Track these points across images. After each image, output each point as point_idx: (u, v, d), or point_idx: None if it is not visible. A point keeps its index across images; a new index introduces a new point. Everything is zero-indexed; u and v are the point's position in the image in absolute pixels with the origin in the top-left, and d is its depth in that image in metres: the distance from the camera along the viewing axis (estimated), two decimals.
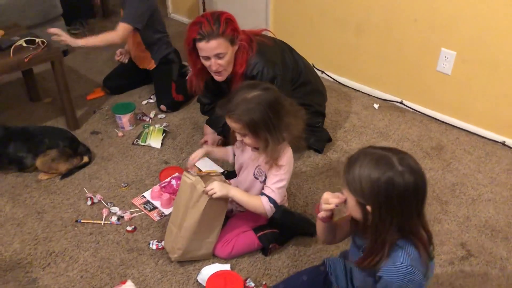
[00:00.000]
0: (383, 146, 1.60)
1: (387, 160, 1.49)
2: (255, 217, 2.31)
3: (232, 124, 2.08)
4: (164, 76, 3.53)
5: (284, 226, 2.37)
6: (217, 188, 2.10)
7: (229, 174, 2.72)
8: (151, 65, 3.58)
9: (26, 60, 2.89)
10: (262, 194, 2.20)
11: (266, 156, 2.15)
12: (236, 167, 2.44)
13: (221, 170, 2.90)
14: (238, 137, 2.15)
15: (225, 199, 2.20)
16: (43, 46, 2.98)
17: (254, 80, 2.51)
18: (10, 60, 2.88)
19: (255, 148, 2.23)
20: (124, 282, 2.09)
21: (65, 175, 2.87)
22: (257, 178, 2.28)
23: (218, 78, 2.63)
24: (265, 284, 2.19)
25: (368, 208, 1.50)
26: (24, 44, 2.99)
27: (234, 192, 2.17)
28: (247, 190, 2.34)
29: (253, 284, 2.19)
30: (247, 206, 2.19)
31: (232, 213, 2.48)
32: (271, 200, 2.18)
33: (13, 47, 2.94)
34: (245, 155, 2.33)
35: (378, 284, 1.57)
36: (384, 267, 1.53)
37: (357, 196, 1.54)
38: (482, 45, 2.94)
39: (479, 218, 2.56)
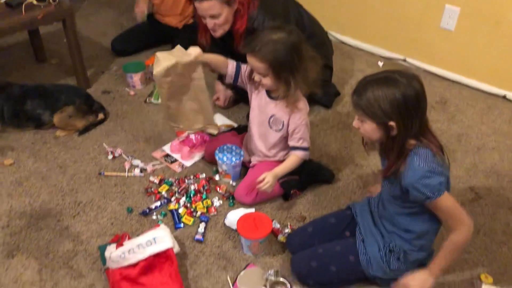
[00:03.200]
0: (377, 72, 1.78)
1: (392, 78, 1.68)
2: (275, 165, 2.40)
3: (255, 63, 2.13)
4: (189, 37, 3.53)
5: (304, 173, 2.47)
6: (270, 178, 2.24)
7: (241, 129, 2.80)
8: (179, 23, 3.58)
9: (39, 17, 2.89)
10: (294, 148, 2.31)
11: (285, 101, 2.23)
12: (251, 110, 2.48)
13: (235, 124, 2.98)
14: (257, 78, 2.21)
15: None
16: (54, 3, 2.98)
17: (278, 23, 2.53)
18: (22, 17, 2.88)
19: (270, 98, 2.30)
20: (157, 226, 2.17)
21: (82, 131, 2.92)
22: (271, 127, 2.37)
23: (214, 34, 2.67)
24: (291, 225, 2.30)
25: (391, 123, 1.66)
26: (35, 2, 2.98)
27: (279, 171, 2.31)
28: (260, 139, 2.43)
29: (278, 225, 2.31)
30: (292, 169, 2.33)
31: (250, 163, 2.58)
32: (305, 149, 2.29)
33: (24, 4, 2.93)
34: (262, 98, 2.37)
35: (402, 193, 1.75)
36: (403, 173, 1.71)
37: (376, 118, 1.69)
38: (485, 1, 3.04)
39: (485, 164, 2.72)
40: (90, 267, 2.13)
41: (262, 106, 2.36)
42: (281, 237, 2.25)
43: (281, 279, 2.05)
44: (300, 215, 2.40)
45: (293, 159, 2.34)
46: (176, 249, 2.10)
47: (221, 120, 3.04)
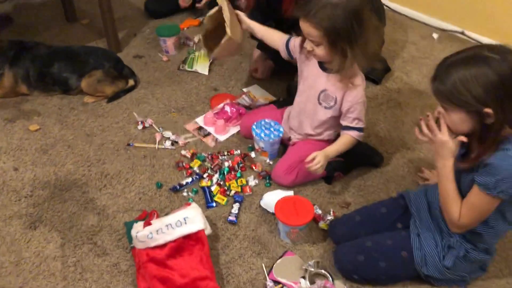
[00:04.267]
0: (459, 51, 1.50)
1: (481, 56, 1.41)
2: (318, 144, 2.18)
3: (308, 29, 1.88)
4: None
5: (350, 155, 2.24)
6: (321, 158, 2.01)
7: (281, 103, 2.57)
8: None
9: None
10: (348, 128, 2.09)
11: (340, 74, 1.99)
12: (299, 82, 2.25)
13: (273, 98, 2.76)
14: (309, 47, 1.96)
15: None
16: None
17: None
18: None
19: (322, 69, 2.06)
20: (188, 204, 2.00)
21: (112, 98, 2.75)
22: (321, 103, 2.13)
23: None
24: (334, 212, 2.09)
25: (487, 110, 1.40)
26: None
27: (331, 151, 2.09)
28: (306, 116, 2.21)
29: (320, 211, 2.10)
30: (344, 151, 2.12)
31: (290, 141, 2.36)
32: (360, 130, 2.06)
33: None
34: (312, 69, 2.13)
35: (480, 171, 1.50)
36: (493, 155, 1.46)
37: (466, 106, 1.43)
38: None
39: None
40: (115, 244, 1.98)
41: (311, 79, 2.12)
42: (322, 224, 2.04)
43: (322, 271, 1.85)
44: (344, 200, 2.18)
45: (346, 140, 2.11)
46: (208, 231, 1.92)
47: (259, 92, 2.81)
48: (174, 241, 1.86)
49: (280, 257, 1.92)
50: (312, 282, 1.83)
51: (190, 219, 1.89)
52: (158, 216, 1.99)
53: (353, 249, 1.81)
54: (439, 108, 1.56)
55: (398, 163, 2.38)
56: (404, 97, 2.79)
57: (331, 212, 2.07)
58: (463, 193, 1.60)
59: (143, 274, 1.82)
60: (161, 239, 1.85)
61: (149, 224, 1.88)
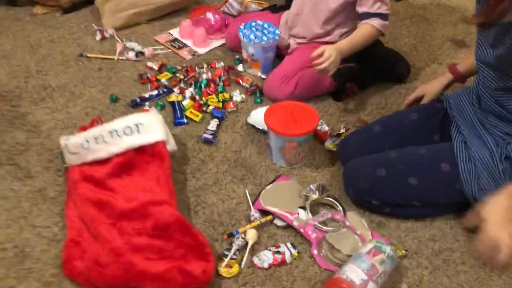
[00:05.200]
0: None
1: None
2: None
3: None
4: None
5: (367, 60, 1.69)
6: (332, 52, 1.49)
7: (279, 8, 2.02)
8: None
9: None
10: (367, 15, 1.56)
11: None
12: None
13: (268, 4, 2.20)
14: None
15: None
16: None
17: None
18: None
19: None
20: (145, 110, 1.45)
21: (68, 9, 2.20)
22: None
23: None
24: (346, 127, 1.54)
25: None
26: None
27: (345, 45, 1.56)
28: (311, 9, 1.67)
29: (326, 128, 1.55)
30: (362, 47, 1.59)
31: (289, 49, 1.81)
32: (383, 17, 1.51)
33: None
34: None
35: None
36: None
37: None
38: None
39: None
40: (44, 166, 1.44)
41: None
42: (329, 144, 1.49)
43: (330, 199, 1.31)
44: (359, 119, 1.63)
45: (365, 31, 1.57)
46: (171, 146, 1.39)
47: None
48: (121, 154, 1.32)
49: (271, 182, 1.38)
50: (314, 213, 1.28)
51: (144, 126, 1.35)
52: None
53: (371, 161, 1.27)
54: None
55: (429, 79, 1.82)
56: (431, 13, 2.23)
57: (342, 128, 1.52)
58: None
59: (74, 199, 1.27)
60: (102, 151, 1.31)
61: (85, 129, 1.34)
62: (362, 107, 1.69)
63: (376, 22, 1.55)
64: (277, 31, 1.78)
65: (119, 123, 1.34)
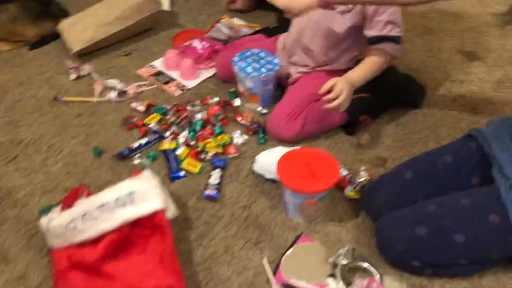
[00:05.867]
0: None
1: None
2: (331, 76, 1.44)
3: None
4: None
5: (380, 88, 1.52)
6: (343, 85, 1.32)
7: (272, 31, 1.85)
8: None
9: None
10: (378, 39, 1.38)
11: None
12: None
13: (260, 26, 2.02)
14: None
15: None
16: None
17: None
18: None
19: None
20: (137, 172, 1.25)
21: (36, 44, 1.98)
22: (334, 7, 1.41)
23: None
24: (369, 170, 1.36)
25: None
26: None
27: (357, 76, 1.39)
28: (313, 34, 1.49)
29: (345, 172, 1.37)
30: (375, 75, 1.42)
31: (289, 79, 1.63)
32: (396, 40, 1.34)
33: None
34: None
35: None
36: None
37: None
38: None
39: None
40: (24, 245, 1.22)
41: None
42: (350, 191, 1.32)
43: (364, 265, 1.13)
44: (378, 156, 1.46)
45: (376, 58, 1.40)
46: (172, 212, 1.19)
47: (240, 21, 2.07)
48: (115, 231, 1.11)
49: (291, 245, 1.20)
50: (347, 281, 1.10)
51: (139, 194, 1.15)
52: (90, 194, 1.23)
53: (407, 218, 1.10)
54: None
55: (446, 101, 1.67)
56: (433, 22, 2.08)
57: (363, 172, 1.34)
58: None
59: None
60: (91, 230, 1.11)
61: (70, 206, 1.13)
62: (378, 140, 1.52)
63: (388, 47, 1.38)
64: (276, 60, 1.59)
65: (109, 195, 1.14)
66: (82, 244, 1.11)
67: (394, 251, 1.11)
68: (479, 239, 1.06)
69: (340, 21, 1.42)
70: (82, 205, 1.13)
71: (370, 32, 1.41)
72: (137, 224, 1.14)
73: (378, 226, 1.16)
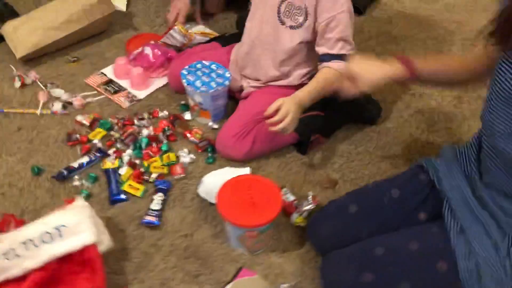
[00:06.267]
0: None
1: None
2: (285, 93, 1.38)
3: None
4: None
5: (332, 106, 1.47)
6: (290, 106, 1.27)
7: (227, 39, 1.77)
8: None
9: None
10: (329, 57, 1.33)
11: None
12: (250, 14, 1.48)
13: (215, 33, 1.93)
14: None
15: None
16: None
17: None
18: None
19: None
20: (70, 201, 1.18)
21: None
22: (283, 22, 1.36)
23: None
24: (315, 197, 1.31)
25: None
26: None
27: (305, 95, 1.33)
28: (264, 48, 1.42)
29: (292, 198, 1.32)
30: (325, 94, 1.35)
31: (242, 92, 1.57)
32: (346, 58, 1.29)
33: None
34: None
35: None
36: None
37: None
38: None
39: None
40: None
41: None
42: (297, 218, 1.27)
43: None
44: (328, 178, 1.42)
45: (327, 76, 1.35)
46: (106, 244, 1.13)
47: (195, 27, 1.98)
48: (40, 269, 1.05)
49: (232, 279, 1.15)
50: None
51: (68, 228, 1.08)
52: (18, 225, 1.16)
53: (354, 262, 1.05)
54: None
55: (403, 116, 1.62)
56: (399, 29, 2.02)
57: (310, 198, 1.29)
58: None
59: None
60: (14, 268, 1.05)
61: None
62: (330, 160, 1.47)
63: (338, 65, 1.32)
64: (227, 74, 1.52)
65: (34, 230, 1.07)
66: (6, 283, 1.05)
67: None
68: (425, 287, 1.02)
69: (290, 36, 1.36)
70: (6, 241, 1.06)
71: (320, 49, 1.35)
72: (66, 259, 1.08)
73: (323, 269, 1.12)
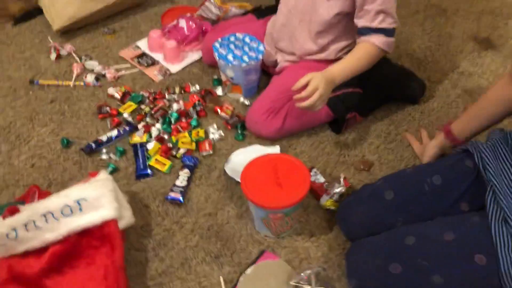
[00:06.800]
0: None
1: None
2: (320, 67, 1.29)
3: None
4: None
5: (371, 83, 1.37)
6: (319, 82, 1.16)
7: (263, 11, 1.69)
8: None
9: None
10: (368, 30, 1.23)
11: None
12: None
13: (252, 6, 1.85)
14: None
15: None
16: None
17: None
18: None
19: None
20: (94, 174, 1.16)
21: (20, 18, 1.89)
22: None
23: None
24: (346, 179, 1.23)
25: None
26: None
27: (338, 71, 1.23)
28: (300, 21, 1.34)
29: (322, 179, 1.25)
30: (360, 71, 1.25)
31: (277, 67, 1.49)
32: (388, 32, 1.18)
33: None
34: None
35: None
36: None
37: None
38: None
39: None
40: None
41: None
42: (327, 201, 1.20)
43: None
44: (363, 159, 1.33)
45: (364, 51, 1.25)
46: (127, 220, 1.11)
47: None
48: (60, 242, 1.04)
49: (253, 262, 1.10)
50: None
51: (89, 202, 1.07)
52: (41, 197, 1.16)
53: (383, 251, 0.97)
54: None
55: (449, 96, 1.50)
56: (449, 2, 1.86)
57: (342, 180, 1.21)
58: None
59: None
60: (34, 240, 1.04)
61: (12, 213, 1.06)
62: (367, 140, 1.38)
63: (378, 40, 1.22)
64: (261, 48, 1.45)
65: (55, 202, 1.06)
66: (26, 254, 1.05)
67: (364, 286, 1.00)
68: (460, 282, 0.93)
69: (327, 6, 1.26)
70: (24, 213, 1.05)
71: (359, 22, 1.25)
72: (86, 233, 1.06)
73: (349, 255, 1.04)
